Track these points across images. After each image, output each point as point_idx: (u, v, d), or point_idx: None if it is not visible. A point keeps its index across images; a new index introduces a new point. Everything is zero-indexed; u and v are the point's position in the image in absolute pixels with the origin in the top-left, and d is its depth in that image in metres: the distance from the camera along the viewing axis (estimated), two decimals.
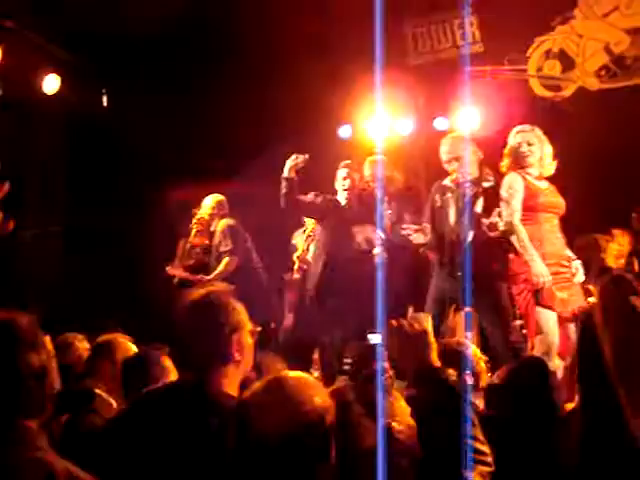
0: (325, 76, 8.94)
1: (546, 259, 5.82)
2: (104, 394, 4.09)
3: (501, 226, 5.99)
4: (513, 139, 6.20)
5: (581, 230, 7.27)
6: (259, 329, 3.02)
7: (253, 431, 2.09)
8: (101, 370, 4.23)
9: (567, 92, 9.13)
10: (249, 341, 2.79)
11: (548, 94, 9.20)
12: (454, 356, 4.20)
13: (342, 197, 7.17)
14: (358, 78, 8.68)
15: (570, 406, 3.71)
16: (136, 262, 9.50)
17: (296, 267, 8.09)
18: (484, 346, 6.12)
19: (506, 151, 6.24)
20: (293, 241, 8.44)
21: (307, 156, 7.02)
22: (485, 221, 6.09)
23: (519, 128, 6.25)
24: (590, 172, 7.93)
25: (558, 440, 3.45)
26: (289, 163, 6.98)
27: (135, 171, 9.61)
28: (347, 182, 7.14)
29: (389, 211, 7.09)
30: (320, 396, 2.15)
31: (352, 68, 8.50)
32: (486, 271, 6.01)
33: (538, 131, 6.23)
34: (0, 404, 2.21)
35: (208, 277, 7.97)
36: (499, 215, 6.05)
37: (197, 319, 2.71)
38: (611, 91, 8.87)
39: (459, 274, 5.99)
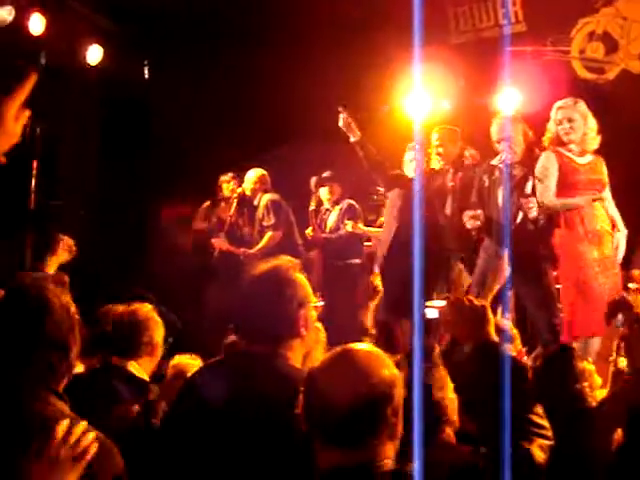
0: (366, 56, 8.93)
1: (585, 237, 5.83)
2: None
3: (533, 210, 5.97)
4: (554, 114, 6.12)
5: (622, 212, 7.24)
6: (321, 304, 3.04)
7: (320, 401, 2.10)
8: None
9: (610, 75, 9.06)
10: (313, 316, 2.80)
11: (591, 76, 9.13)
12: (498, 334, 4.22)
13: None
14: (400, 57, 8.71)
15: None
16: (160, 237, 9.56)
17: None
18: (523, 327, 6.16)
19: (548, 127, 6.18)
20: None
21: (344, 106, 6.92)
22: (524, 202, 6.06)
23: (560, 103, 6.14)
24: (633, 155, 7.88)
25: (585, 431, 3.45)
26: (345, 124, 6.88)
27: (168, 144, 9.65)
28: (414, 164, 7.01)
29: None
30: (388, 368, 2.15)
31: (393, 47, 8.52)
32: (532, 253, 6.01)
33: (581, 105, 6.11)
34: (18, 370, 2.26)
35: (251, 250, 8.04)
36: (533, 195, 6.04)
37: (266, 294, 2.70)
38: None
39: (504, 254, 5.98)
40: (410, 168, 7.01)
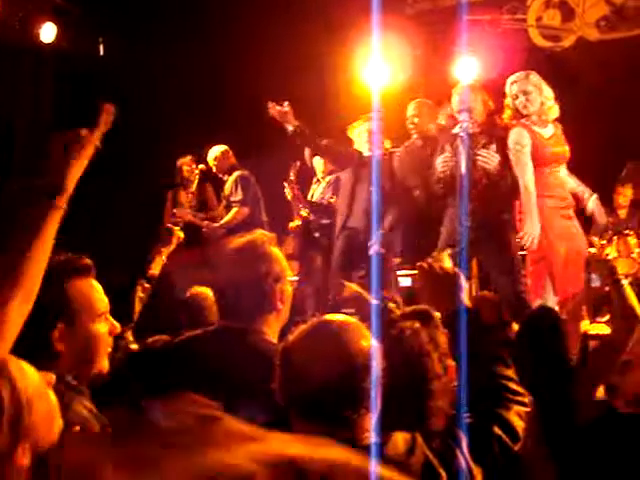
0: (321, 26, 8.89)
1: (549, 211, 5.88)
2: None
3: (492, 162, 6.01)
4: (509, 90, 6.15)
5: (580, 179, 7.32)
6: (296, 279, 3.03)
7: (296, 375, 2.06)
8: None
9: (566, 42, 9.11)
10: (289, 290, 2.79)
11: (547, 44, 9.18)
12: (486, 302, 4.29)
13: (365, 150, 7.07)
14: (355, 26, 8.68)
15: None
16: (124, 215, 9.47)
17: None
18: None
19: (506, 102, 6.21)
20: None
21: (286, 103, 6.76)
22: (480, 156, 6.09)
23: (513, 78, 6.16)
24: (588, 122, 7.94)
25: (572, 390, 3.51)
26: (280, 114, 6.73)
27: (126, 123, 9.53)
28: (365, 136, 7.00)
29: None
30: (365, 339, 2.11)
31: (348, 16, 8.50)
32: (495, 219, 6.06)
33: (534, 77, 6.13)
34: None
35: (215, 225, 8.02)
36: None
37: (242, 268, 2.68)
38: (610, 42, 8.85)
39: (467, 220, 6.00)
40: (363, 139, 7.00)
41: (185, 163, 8.56)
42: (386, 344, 2.18)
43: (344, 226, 6.94)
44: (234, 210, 8.03)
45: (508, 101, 6.16)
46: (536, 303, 5.57)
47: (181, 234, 4.74)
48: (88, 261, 2.33)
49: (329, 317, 2.20)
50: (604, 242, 6.19)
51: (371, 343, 2.11)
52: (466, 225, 5.79)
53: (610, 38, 8.88)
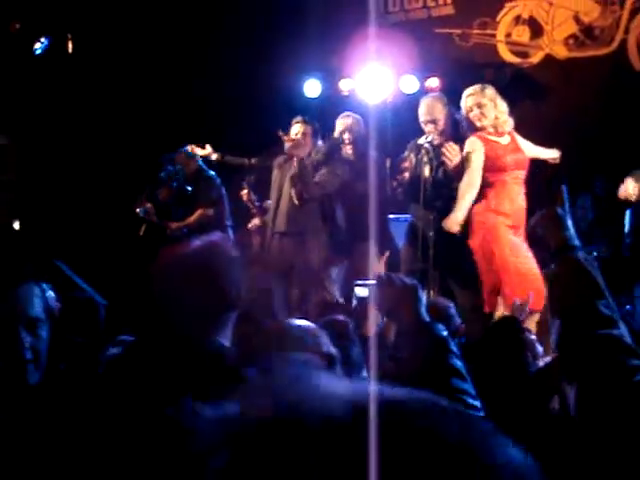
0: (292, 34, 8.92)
1: (511, 218, 5.93)
2: None
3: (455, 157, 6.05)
4: (464, 102, 6.18)
5: (542, 195, 7.36)
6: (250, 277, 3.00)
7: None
8: None
9: (535, 59, 9.19)
10: (247, 293, 2.77)
11: (516, 60, 9.25)
12: (442, 312, 4.29)
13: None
14: (330, 32, 8.73)
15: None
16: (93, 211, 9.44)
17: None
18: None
19: (461, 114, 6.24)
20: None
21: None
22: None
23: (470, 91, 6.16)
24: (553, 139, 8.01)
25: (531, 398, 3.53)
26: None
27: (97, 120, 9.51)
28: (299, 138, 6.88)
29: None
30: (328, 345, 2.11)
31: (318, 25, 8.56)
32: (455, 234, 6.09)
33: (489, 90, 6.14)
34: None
35: (176, 224, 7.98)
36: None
37: (207, 271, 2.63)
38: (578, 60, 8.95)
39: (430, 234, 6.04)
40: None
41: (182, 158, 8.40)
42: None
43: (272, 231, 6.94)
44: (198, 212, 8.00)
45: (462, 113, 6.19)
46: (497, 314, 5.61)
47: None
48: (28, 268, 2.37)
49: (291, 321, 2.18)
50: None
51: (333, 350, 2.08)
52: (430, 236, 5.84)
53: (578, 56, 8.97)
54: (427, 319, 2.51)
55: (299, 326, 2.14)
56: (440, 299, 5.12)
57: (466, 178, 5.96)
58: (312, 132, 6.90)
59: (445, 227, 5.92)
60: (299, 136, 6.79)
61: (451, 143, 6.08)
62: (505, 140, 6.14)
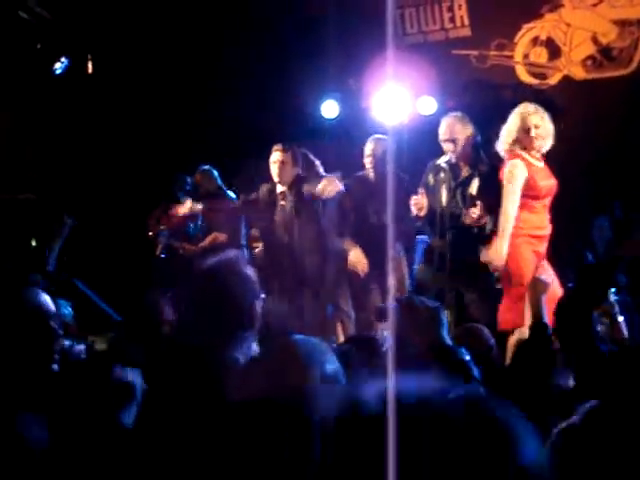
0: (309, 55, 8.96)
1: (537, 241, 5.92)
2: None
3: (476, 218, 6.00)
4: (521, 121, 6.07)
5: (564, 217, 7.35)
6: (264, 296, 3.00)
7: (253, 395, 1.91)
8: None
9: (552, 80, 9.18)
10: (263, 308, 2.78)
11: (533, 81, 9.24)
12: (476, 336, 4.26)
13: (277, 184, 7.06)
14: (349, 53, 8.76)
15: None
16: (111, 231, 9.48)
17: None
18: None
19: (509, 132, 6.11)
20: None
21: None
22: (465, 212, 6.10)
23: (530, 109, 6.04)
24: (573, 160, 8.00)
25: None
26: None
27: (114, 140, 9.56)
28: (276, 166, 6.94)
29: None
30: (331, 362, 2.01)
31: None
32: (476, 254, 6.07)
33: (542, 111, 6.07)
34: None
35: (191, 247, 7.99)
36: (480, 208, 6.07)
37: (223, 286, 2.65)
38: (596, 81, 8.93)
39: (448, 255, 6.03)
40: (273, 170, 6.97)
41: (201, 178, 8.41)
42: None
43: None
44: (213, 233, 8.02)
45: (511, 131, 6.05)
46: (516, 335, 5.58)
47: None
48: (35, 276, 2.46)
49: (293, 337, 2.10)
50: None
51: (337, 366, 2.00)
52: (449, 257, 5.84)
53: (596, 77, 8.96)
54: (448, 342, 2.48)
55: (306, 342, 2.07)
56: (473, 325, 5.08)
57: (507, 207, 5.87)
58: (292, 159, 6.90)
59: (487, 259, 5.85)
60: (277, 164, 6.82)
61: (473, 209, 6.02)
62: (541, 164, 6.10)
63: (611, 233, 8.01)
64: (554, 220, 6.17)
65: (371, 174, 7.01)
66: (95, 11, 9.21)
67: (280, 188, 6.98)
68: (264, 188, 7.06)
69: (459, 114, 6.57)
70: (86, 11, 9.18)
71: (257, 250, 8.07)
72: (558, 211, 6.28)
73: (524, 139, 5.99)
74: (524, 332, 5.43)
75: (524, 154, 6.02)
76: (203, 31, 9.39)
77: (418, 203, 6.22)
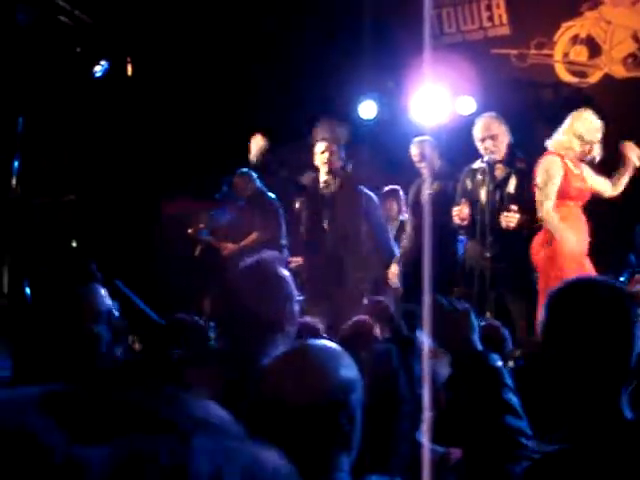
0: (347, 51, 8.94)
1: (573, 247, 5.86)
2: None
3: (511, 224, 5.97)
4: (584, 134, 6.02)
5: (604, 221, 7.28)
6: (302, 298, 2.99)
7: (267, 405, 1.86)
8: None
9: (593, 79, 9.09)
10: (297, 311, 2.77)
11: (574, 80, 9.16)
12: (493, 335, 4.19)
13: (322, 173, 7.16)
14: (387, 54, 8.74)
15: None
16: (150, 234, 9.55)
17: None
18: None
19: (569, 140, 6.09)
20: None
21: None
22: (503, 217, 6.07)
23: (590, 124, 6.07)
24: (612, 161, 7.90)
25: None
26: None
27: (153, 143, 9.62)
28: (325, 156, 7.10)
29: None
30: (347, 369, 1.91)
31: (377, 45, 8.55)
32: (517, 255, 6.04)
33: (600, 123, 6.11)
34: None
35: (233, 246, 8.03)
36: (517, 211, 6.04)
37: (252, 288, 2.65)
38: (637, 79, 8.82)
39: (488, 255, 5.99)
40: (319, 160, 7.15)
41: (240, 181, 8.46)
42: (358, 364, 2.04)
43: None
44: (253, 234, 8.05)
45: (571, 140, 6.02)
46: None
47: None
48: (92, 268, 2.48)
49: (311, 342, 2.04)
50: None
51: (352, 374, 1.91)
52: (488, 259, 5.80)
53: (637, 75, 8.85)
54: (480, 348, 2.36)
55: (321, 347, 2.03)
56: (492, 321, 5.04)
57: (545, 207, 5.87)
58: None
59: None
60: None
61: (511, 212, 5.99)
62: (577, 170, 6.06)
63: None
64: (596, 226, 6.12)
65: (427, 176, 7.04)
66: (134, 14, 9.27)
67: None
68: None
69: (493, 114, 6.54)
70: (125, 14, 9.24)
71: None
72: (601, 216, 6.22)
73: (580, 153, 5.98)
74: None
75: (566, 155, 5.99)
76: (241, 32, 9.41)
77: (460, 214, 6.19)
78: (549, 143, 6.08)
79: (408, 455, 2.30)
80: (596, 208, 6.23)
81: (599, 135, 6.04)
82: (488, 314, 6.06)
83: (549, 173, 5.89)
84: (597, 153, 6.04)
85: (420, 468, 1.82)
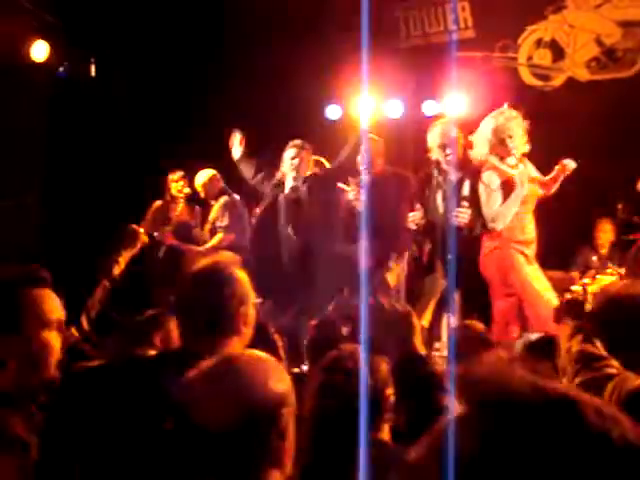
0: (315, 55, 8.90)
1: (524, 246, 5.90)
2: None
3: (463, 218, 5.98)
4: (492, 133, 6.07)
5: (566, 217, 7.32)
6: (260, 301, 2.97)
7: (193, 418, 1.78)
8: None
9: (556, 82, 9.14)
10: (253, 313, 2.74)
11: (537, 83, 9.20)
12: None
13: (290, 178, 7.13)
14: (348, 58, 8.68)
15: None
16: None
17: None
18: None
19: (483, 141, 6.11)
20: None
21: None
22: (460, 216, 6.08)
23: (497, 122, 6.07)
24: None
25: None
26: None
27: (118, 142, 9.53)
28: (296, 162, 7.08)
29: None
30: (278, 381, 1.85)
31: (342, 48, 8.49)
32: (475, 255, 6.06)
33: (513, 115, 6.08)
34: None
35: (198, 249, 7.95)
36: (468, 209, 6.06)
37: (205, 290, 2.62)
38: (600, 82, 8.88)
39: (448, 257, 6.00)
40: (289, 166, 7.11)
41: (174, 180, 8.38)
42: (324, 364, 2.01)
43: None
44: (219, 235, 7.97)
45: (489, 138, 6.07)
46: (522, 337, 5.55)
47: (145, 238, 4.65)
48: (44, 272, 2.38)
49: (239, 352, 1.99)
50: (587, 280, 6.18)
51: (283, 386, 1.84)
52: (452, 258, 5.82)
53: (600, 79, 8.90)
54: (419, 353, 2.36)
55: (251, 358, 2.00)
56: (475, 323, 5.01)
57: (489, 216, 5.90)
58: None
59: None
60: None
61: (461, 209, 6.00)
62: (516, 171, 6.07)
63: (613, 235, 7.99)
64: (557, 223, 6.16)
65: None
66: (101, 14, 9.19)
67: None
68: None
69: (448, 120, 6.56)
70: (92, 15, 9.16)
71: None
72: (558, 213, 6.26)
73: (500, 150, 6.01)
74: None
75: (498, 164, 6.01)
76: (220, 30, 9.32)
77: (415, 219, 6.22)
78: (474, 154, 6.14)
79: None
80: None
81: (507, 132, 6.01)
82: (451, 316, 6.08)
83: (488, 187, 5.94)
84: (514, 152, 6.02)
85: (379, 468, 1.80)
